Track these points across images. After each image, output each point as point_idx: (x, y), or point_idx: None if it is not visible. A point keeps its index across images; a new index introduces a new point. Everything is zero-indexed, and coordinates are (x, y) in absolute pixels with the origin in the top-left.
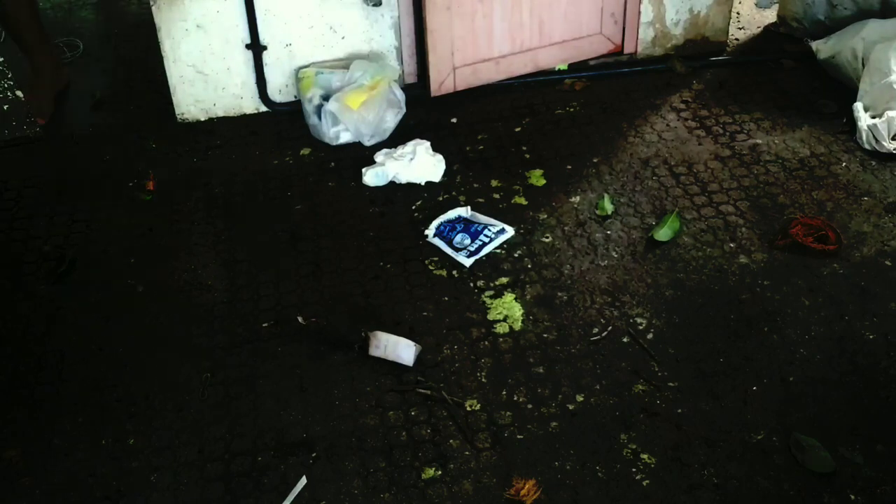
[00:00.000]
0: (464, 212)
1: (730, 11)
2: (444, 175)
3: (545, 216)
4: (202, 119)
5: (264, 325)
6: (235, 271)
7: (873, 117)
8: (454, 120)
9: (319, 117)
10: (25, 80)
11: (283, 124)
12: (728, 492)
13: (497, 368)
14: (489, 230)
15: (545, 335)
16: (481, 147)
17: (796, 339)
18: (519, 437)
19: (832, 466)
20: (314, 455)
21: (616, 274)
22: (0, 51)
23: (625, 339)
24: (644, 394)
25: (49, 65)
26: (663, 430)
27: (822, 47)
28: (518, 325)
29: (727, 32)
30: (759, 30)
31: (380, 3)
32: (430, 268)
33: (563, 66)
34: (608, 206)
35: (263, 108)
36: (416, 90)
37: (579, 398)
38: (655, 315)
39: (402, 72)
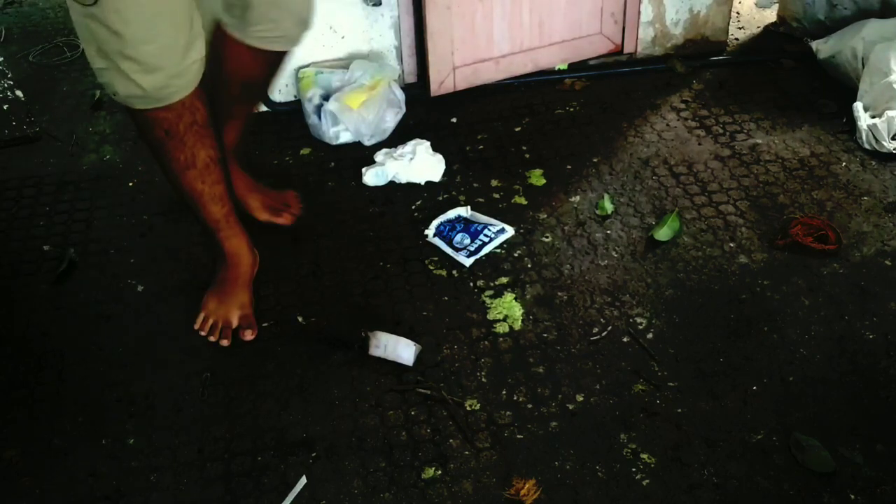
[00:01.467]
0: (464, 211)
1: (730, 11)
2: (444, 175)
3: (545, 216)
4: None
5: (264, 325)
6: None
7: (873, 117)
8: (454, 120)
9: (319, 117)
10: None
11: (282, 124)
12: (728, 491)
13: (497, 368)
14: (489, 230)
15: (545, 335)
16: (481, 147)
17: (796, 339)
18: (519, 436)
19: (832, 466)
20: (314, 455)
21: (616, 274)
22: (0, 51)
23: (625, 339)
24: (644, 394)
25: (245, 251)
26: (663, 430)
27: (822, 47)
28: (518, 325)
29: (727, 32)
30: (759, 29)
31: (380, 3)
32: (430, 268)
33: (563, 66)
34: (608, 206)
35: (263, 108)
36: (416, 90)
37: (579, 398)
38: (655, 315)
39: (402, 71)
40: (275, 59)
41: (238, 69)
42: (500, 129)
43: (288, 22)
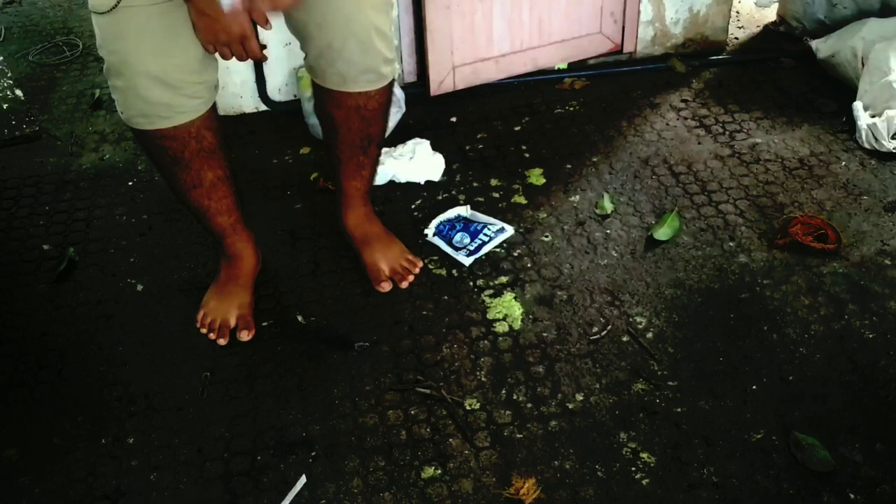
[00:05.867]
0: (463, 211)
1: (729, 10)
2: (444, 174)
3: (545, 215)
4: None
5: (264, 324)
6: None
7: (873, 116)
8: (454, 119)
9: None
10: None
11: (282, 123)
12: (727, 490)
13: (496, 367)
14: (489, 229)
15: (545, 334)
16: (481, 146)
17: (796, 339)
18: (518, 436)
19: (832, 465)
20: (314, 454)
21: (616, 273)
22: (0, 50)
23: (624, 339)
24: (644, 393)
25: (249, 254)
26: (663, 429)
27: (822, 46)
28: (517, 325)
29: (727, 31)
30: (759, 29)
31: None
32: (430, 267)
33: (563, 66)
34: (608, 205)
35: (263, 107)
36: (416, 89)
37: (579, 397)
38: (655, 314)
39: (402, 71)
40: (355, 103)
41: (328, 115)
42: (499, 128)
43: (342, 59)
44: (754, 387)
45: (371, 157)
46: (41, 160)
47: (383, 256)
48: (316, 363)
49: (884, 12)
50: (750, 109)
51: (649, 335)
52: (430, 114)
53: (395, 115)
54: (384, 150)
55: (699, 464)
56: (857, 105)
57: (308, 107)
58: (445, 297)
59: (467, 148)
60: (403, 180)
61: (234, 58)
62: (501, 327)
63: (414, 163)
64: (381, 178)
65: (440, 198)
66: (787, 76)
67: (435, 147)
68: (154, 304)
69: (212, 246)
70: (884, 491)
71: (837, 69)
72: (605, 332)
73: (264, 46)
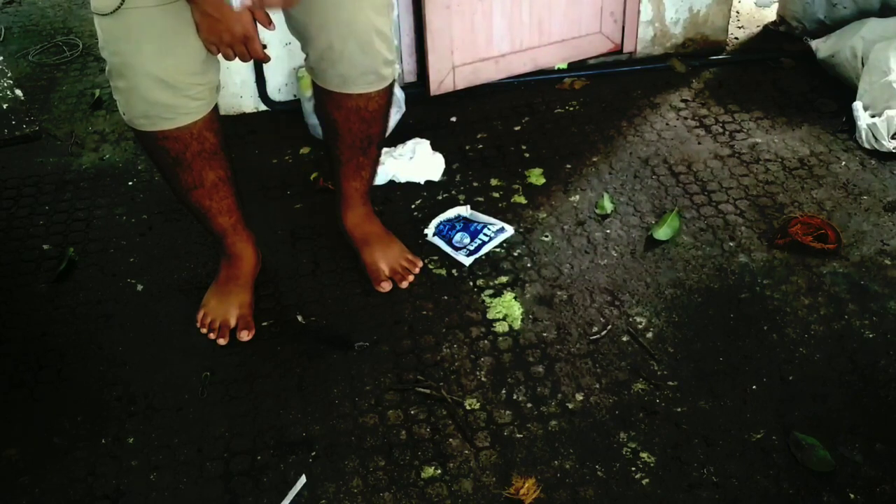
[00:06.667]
0: (463, 211)
1: (729, 10)
2: (444, 174)
3: (545, 215)
4: None
5: (264, 324)
6: None
7: (873, 116)
8: (454, 119)
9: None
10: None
11: (282, 123)
12: (727, 490)
13: (496, 367)
14: (488, 229)
15: (545, 334)
16: (481, 146)
17: (796, 338)
18: (518, 435)
19: (831, 465)
20: (314, 454)
21: (615, 273)
22: (0, 50)
23: (624, 338)
24: (644, 393)
25: (249, 254)
26: (663, 429)
27: (822, 46)
28: (517, 325)
29: (727, 31)
30: (759, 29)
31: None
32: (430, 266)
33: (563, 66)
34: (608, 205)
35: (263, 107)
36: (416, 89)
37: (579, 397)
38: (655, 314)
39: (402, 71)
40: (355, 105)
41: (327, 115)
42: (499, 128)
43: (344, 59)
44: (754, 387)
45: (371, 158)
46: (41, 160)
47: (383, 256)
48: (316, 363)
49: (884, 12)
50: (750, 109)
51: (649, 335)
52: (430, 114)
53: (395, 116)
54: (384, 149)
55: (699, 464)
56: (857, 105)
57: (308, 107)
58: (445, 297)
59: (467, 148)
60: (403, 180)
61: (236, 58)
62: (501, 327)
63: (414, 163)
64: (381, 178)
65: (440, 198)
66: (787, 76)
67: (435, 147)
68: (154, 304)
69: (212, 246)
70: (884, 491)
71: (837, 69)
72: (605, 332)
73: (265, 46)
